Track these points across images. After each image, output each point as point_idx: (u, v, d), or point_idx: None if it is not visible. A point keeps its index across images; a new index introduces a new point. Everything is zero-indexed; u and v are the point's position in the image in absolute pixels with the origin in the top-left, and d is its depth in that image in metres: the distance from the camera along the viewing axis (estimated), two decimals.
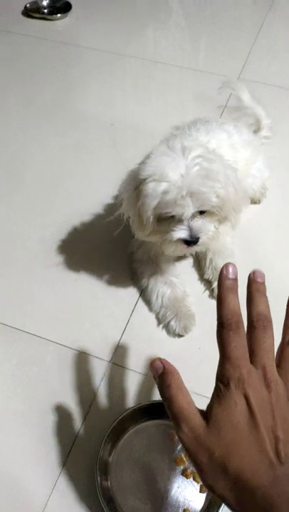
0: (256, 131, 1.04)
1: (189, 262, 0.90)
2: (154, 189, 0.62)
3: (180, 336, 0.79)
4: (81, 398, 0.71)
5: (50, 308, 0.83)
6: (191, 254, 0.89)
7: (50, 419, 0.69)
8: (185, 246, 0.67)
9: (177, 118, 1.01)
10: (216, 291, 0.82)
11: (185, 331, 0.79)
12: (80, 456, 0.65)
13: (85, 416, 0.69)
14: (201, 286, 0.86)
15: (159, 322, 0.81)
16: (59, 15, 1.69)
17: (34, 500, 0.62)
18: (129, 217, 0.70)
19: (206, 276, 0.86)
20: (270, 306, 0.38)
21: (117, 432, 0.64)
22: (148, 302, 0.83)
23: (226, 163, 0.68)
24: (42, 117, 1.25)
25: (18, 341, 0.78)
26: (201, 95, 1.30)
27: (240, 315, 0.36)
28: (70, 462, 0.65)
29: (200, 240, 0.67)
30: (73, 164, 1.12)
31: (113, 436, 0.63)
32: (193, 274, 0.88)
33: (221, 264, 0.83)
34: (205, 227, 0.66)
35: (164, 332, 0.80)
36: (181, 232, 0.65)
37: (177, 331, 0.79)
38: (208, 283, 0.86)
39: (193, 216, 0.65)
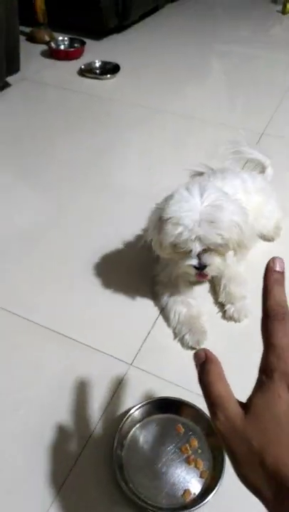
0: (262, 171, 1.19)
1: (206, 287, 1.04)
2: (171, 230, 0.80)
3: (193, 348, 0.91)
4: (106, 388, 0.84)
5: (85, 317, 0.98)
6: (208, 281, 1.02)
7: (84, 400, 0.82)
8: (196, 271, 0.83)
9: (208, 167, 1.18)
10: (228, 312, 0.97)
11: (197, 345, 0.90)
12: (103, 433, 0.77)
13: (112, 397, 0.82)
14: (215, 308, 0.99)
15: (175, 336, 0.94)
16: (109, 75, 1.96)
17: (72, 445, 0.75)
18: (151, 240, 0.88)
19: (220, 300, 0.99)
20: None
21: (140, 413, 0.77)
22: (167, 318, 0.96)
23: (236, 208, 0.83)
24: (88, 162, 1.46)
25: (66, 346, 0.93)
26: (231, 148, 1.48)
27: (287, 307, 0.35)
28: (96, 434, 0.78)
29: (208, 268, 0.83)
30: (110, 203, 1.29)
31: (137, 415, 0.77)
32: (209, 298, 1.02)
33: (233, 290, 0.97)
34: (211, 259, 0.83)
35: (179, 344, 0.92)
36: (191, 261, 0.82)
37: (190, 343, 0.91)
38: (221, 306, 0.99)
39: (203, 250, 0.81)
